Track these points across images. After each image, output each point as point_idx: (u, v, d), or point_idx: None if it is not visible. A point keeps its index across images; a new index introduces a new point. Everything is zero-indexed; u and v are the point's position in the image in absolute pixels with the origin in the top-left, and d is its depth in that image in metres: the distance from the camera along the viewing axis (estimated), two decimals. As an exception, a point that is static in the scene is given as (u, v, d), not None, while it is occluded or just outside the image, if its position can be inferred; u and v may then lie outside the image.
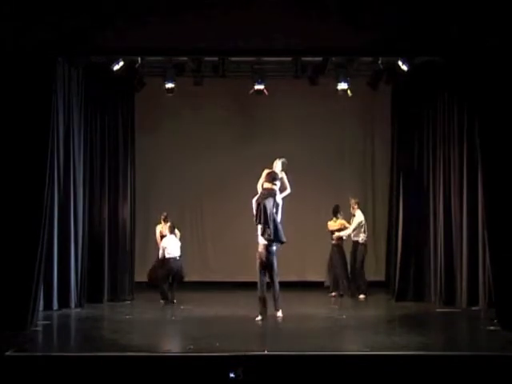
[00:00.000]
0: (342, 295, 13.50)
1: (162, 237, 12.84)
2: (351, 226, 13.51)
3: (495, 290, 9.81)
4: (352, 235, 13.55)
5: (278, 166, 10.80)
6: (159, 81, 12.77)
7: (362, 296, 13.32)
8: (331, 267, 13.66)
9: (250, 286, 13.34)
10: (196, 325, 10.15)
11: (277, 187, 10.61)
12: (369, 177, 15.50)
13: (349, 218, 13.74)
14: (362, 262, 13.51)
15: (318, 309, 12.13)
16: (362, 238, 13.50)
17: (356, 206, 13.61)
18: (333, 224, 13.70)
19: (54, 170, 10.85)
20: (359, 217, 13.53)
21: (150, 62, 12.35)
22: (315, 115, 14.97)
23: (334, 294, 13.56)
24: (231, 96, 14.59)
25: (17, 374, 7.46)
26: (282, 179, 10.72)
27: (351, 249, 13.67)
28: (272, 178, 10.54)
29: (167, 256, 12.51)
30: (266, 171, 10.68)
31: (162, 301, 12.51)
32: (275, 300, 10.56)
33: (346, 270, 13.59)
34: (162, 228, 13.02)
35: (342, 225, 13.64)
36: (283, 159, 10.84)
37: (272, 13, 9.61)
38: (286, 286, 14.01)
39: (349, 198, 13.73)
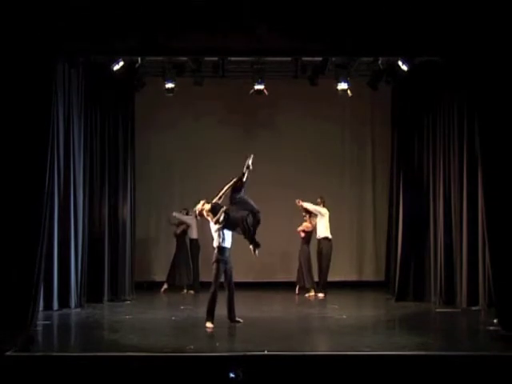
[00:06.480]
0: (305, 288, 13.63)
1: None
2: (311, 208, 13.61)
3: (495, 290, 9.80)
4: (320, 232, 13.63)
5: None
6: (159, 81, 12.76)
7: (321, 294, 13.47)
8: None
9: (249, 286, 13.39)
10: (196, 325, 10.14)
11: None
12: (369, 176, 15.50)
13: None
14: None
15: (318, 309, 12.13)
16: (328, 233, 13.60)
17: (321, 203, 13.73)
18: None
19: (54, 170, 10.84)
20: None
21: (150, 61, 12.35)
22: (315, 115, 14.97)
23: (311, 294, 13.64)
24: (231, 96, 14.58)
25: (17, 374, 7.46)
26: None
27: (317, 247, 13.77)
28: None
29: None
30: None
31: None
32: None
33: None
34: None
35: (305, 226, 13.76)
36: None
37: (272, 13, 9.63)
38: (287, 285, 14.13)
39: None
